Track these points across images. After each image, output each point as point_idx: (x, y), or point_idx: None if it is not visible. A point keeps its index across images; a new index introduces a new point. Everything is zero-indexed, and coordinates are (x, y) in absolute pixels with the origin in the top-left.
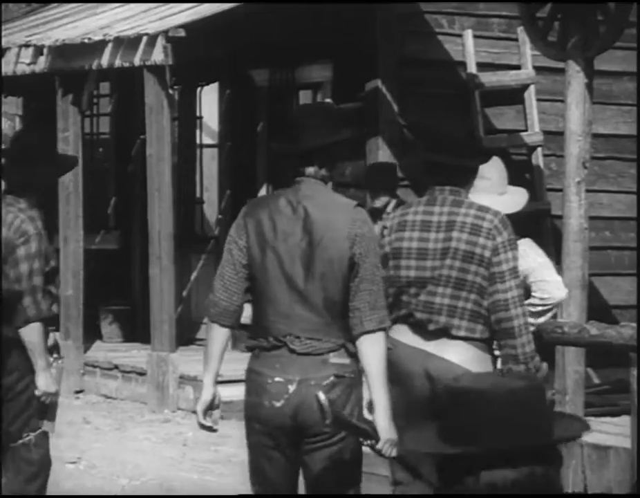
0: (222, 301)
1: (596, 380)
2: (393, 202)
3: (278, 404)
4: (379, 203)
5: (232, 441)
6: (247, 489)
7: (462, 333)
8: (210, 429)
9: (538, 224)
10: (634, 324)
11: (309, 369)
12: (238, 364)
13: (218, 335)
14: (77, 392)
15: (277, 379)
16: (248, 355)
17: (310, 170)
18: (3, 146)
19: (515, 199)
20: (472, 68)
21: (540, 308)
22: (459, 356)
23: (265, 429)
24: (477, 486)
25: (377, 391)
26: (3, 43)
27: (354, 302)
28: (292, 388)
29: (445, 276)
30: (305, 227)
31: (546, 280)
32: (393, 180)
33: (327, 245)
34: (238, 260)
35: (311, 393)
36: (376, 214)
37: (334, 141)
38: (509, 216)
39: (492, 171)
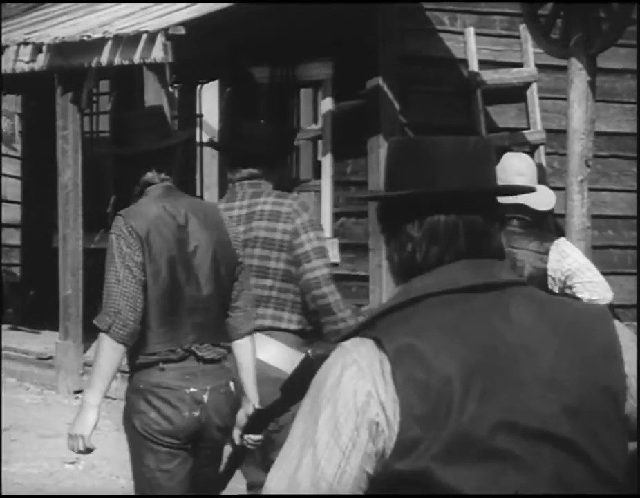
0: (131, 322)
1: None
2: None
3: (196, 413)
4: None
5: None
6: (244, 488)
7: (267, 323)
8: (91, 450)
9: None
10: (636, 324)
11: (214, 377)
12: None
13: (120, 356)
14: (76, 392)
15: (192, 389)
16: None
17: (149, 175)
18: (2, 145)
19: (546, 198)
20: (474, 65)
21: None
22: (267, 354)
23: (174, 441)
24: (420, 230)
25: (253, 389)
26: (1, 41)
27: (237, 302)
28: (205, 397)
29: (246, 265)
30: (194, 235)
31: (594, 281)
32: (292, 181)
33: (217, 251)
34: (138, 277)
35: (219, 401)
36: None
37: (169, 144)
38: (538, 213)
39: (527, 167)
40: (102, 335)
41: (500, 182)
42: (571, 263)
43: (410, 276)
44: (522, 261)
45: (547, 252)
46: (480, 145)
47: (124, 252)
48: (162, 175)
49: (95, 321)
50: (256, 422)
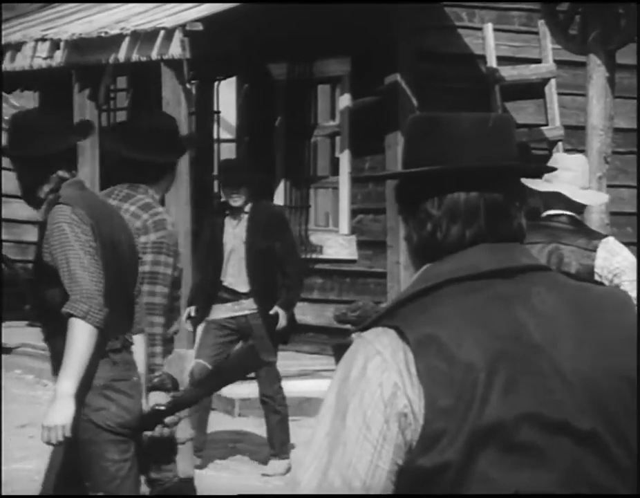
0: (103, 306)
1: None
2: (248, 205)
3: (143, 402)
4: (239, 200)
5: (249, 438)
6: (262, 486)
7: None
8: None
9: None
10: None
11: (135, 366)
12: None
13: (95, 342)
14: None
15: (135, 378)
16: None
17: (60, 173)
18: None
19: (595, 196)
20: (492, 61)
21: None
22: None
23: (128, 431)
24: (440, 208)
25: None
26: (19, 37)
27: (137, 297)
28: (140, 386)
29: None
30: (118, 226)
31: None
32: (251, 176)
33: (130, 243)
34: (99, 263)
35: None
36: (235, 213)
37: (66, 147)
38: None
39: (577, 163)
40: (77, 322)
41: (548, 178)
42: (620, 262)
43: (430, 257)
44: (569, 258)
45: (594, 249)
46: (500, 122)
47: (82, 239)
48: (73, 171)
49: (66, 309)
50: (153, 418)
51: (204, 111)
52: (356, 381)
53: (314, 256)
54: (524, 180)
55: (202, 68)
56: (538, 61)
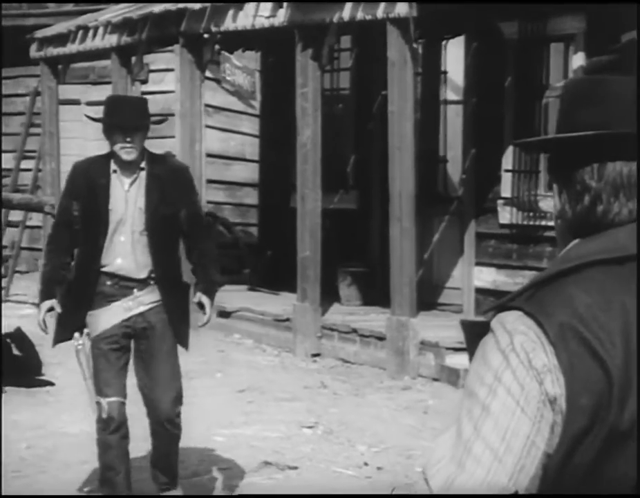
0: None
1: None
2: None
3: None
4: (133, 152)
5: None
6: None
7: None
8: None
9: None
10: None
11: None
12: None
13: None
14: (314, 355)
15: None
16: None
17: None
18: (241, 101)
19: None
20: None
21: None
22: None
23: None
24: (600, 179)
25: None
26: None
27: None
28: None
29: None
30: None
31: None
32: (150, 120)
33: None
34: None
35: None
36: (128, 170)
37: None
38: None
39: None
40: None
41: None
42: None
43: (582, 235)
44: None
45: None
46: None
47: None
48: None
49: None
50: None
51: (430, 71)
52: (505, 354)
53: (543, 223)
54: None
55: (429, 26)
56: None
